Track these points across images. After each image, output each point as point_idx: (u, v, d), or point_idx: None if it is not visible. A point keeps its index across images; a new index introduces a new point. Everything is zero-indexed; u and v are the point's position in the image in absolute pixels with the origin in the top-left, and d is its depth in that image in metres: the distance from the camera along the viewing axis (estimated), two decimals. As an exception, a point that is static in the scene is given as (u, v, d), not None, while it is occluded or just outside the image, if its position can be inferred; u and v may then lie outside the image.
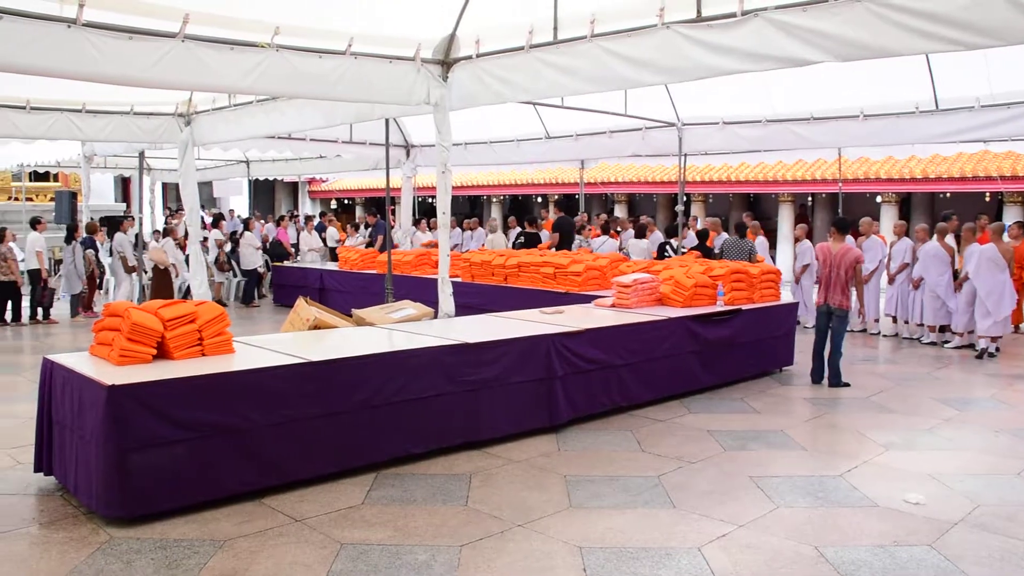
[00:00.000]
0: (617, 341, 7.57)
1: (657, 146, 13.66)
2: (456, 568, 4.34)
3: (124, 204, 26.81)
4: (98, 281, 15.41)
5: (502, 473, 5.92)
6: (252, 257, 16.59)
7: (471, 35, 8.23)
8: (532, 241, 14.76)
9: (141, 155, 14.61)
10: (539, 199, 30.12)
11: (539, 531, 4.84)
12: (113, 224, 16.46)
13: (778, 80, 10.57)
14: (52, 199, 21.93)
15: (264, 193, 35.71)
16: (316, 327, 7.32)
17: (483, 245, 15.96)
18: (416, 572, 4.28)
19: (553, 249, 13.56)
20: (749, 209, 25.35)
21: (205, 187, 24.42)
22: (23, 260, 14.07)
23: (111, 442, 4.82)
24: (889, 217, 21.71)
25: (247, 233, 17.10)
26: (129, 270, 14.84)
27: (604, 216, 17.86)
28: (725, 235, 13.94)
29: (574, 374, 7.14)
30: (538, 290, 10.81)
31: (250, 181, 21.53)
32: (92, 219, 16.81)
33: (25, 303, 14.02)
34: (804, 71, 7.25)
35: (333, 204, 36.30)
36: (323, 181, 33.61)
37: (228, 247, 16.89)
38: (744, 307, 8.96)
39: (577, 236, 14.47)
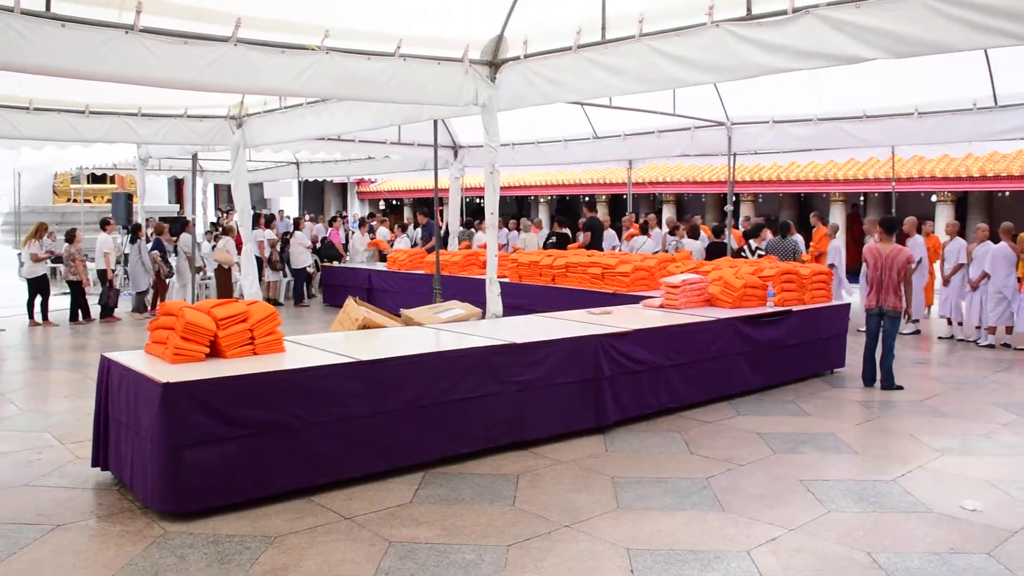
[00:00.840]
0: (665, 342, 7.52)
1: (706, 145, 13.55)
2: (503, 568, 4.35)
3: (177, 205, 27.34)
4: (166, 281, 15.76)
5: (549, 473, 5.92)
6: (302, 257, 16.81)
7: (519, 36, 8.24)
8: (563, 241, 14.83)
9: (194, 157, 14.87)
10: (586, 199, 30.02)
11: (586, 532, 4.83)
12: (175, 223, 16.77)
13: (829, 77, 10.41)
14: (109, 200, 22.46)
15: (313, 194, 36.14)
16: (365, 327, 7.39)
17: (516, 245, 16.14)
18: (464, 571, 4.30)
19: (584, 249, 13.61)
20: (800, 208, 25.03)
21: (256, 188, 24.80)
22: (92, 260, 14.49)
23: (165, 439, 4.92)
24: (945, 217, 21.26)
25: (297, 233, 17.34)
26: (195, 270, 15.16)
27: (652, 215, 17.77)
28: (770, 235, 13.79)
29: (622, 375, 7.10)
30: (586, 290, 10.79)
31: (300, 182, 21.83)
32: (158, 220, 17.20)
33: (92, 301, 14.41)
34: (856, 68, 7.15)
35: (381, 205, 36.60)
36: (372, 182, 33.92)
37: (279, 247, 17.14)
38: (794, 308, 8.84)
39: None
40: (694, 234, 14.50)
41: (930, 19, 5.57)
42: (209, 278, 16.28)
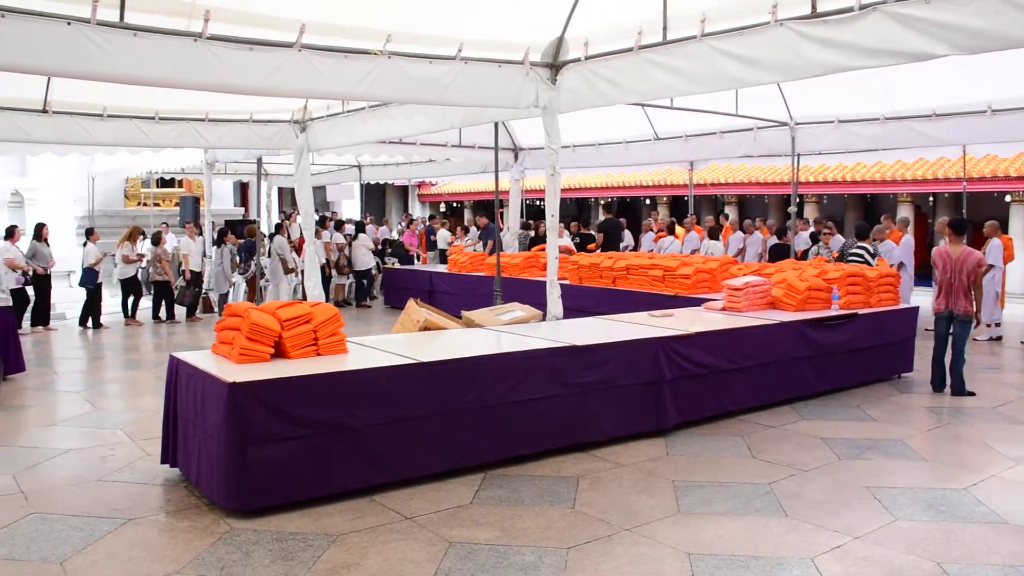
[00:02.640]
0: (727, 345, 7.43)
1: (769, 146, 13.36)
2: (563, 570, 4.34)
3: (243, 208, 27.85)
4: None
5: (610, 476, 5.89)
6: (365, 258, 17.06)
7: (579, 37, 8.22)
8: (585, 242, 14.89)
9: (259, 161, 15.17)
10: (647, 201, 29.83)
11: (647, 536, 4.80)
12: (238, 224, 17.13)
13: (897, 75, 10.16)
14: (177, 204, 23.01)
15: (375, 196, 36.54)
16: (426, 328, 7.44)
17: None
18: (523, 572, 4.30)
19: (599, 250, 13.61)
20: (866, 210, 24.51)
21: (319, 191, 25.16)
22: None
23: (231, 437, 5.02)
24: (1020, 218, 20.60)
25: (361, 235, 17.60)
26: (288, 271, 15.50)
27: (695, 217, 17.63)
28: (839, 237, 13.54)
29: (683, 378, 7.04)
30: (646, 293, 10.72)
31: (362, 185, 22.06)
32: (224, 222, 17.64)
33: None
34: (925, 65, 6.95)
35: (442, 207, 36.84)
36: (432, 184, 34.16)
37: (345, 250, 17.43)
38: (860, 311, 8.66)
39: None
40: (714, 235, 14.53)
41: (1005, 13, 5.40)
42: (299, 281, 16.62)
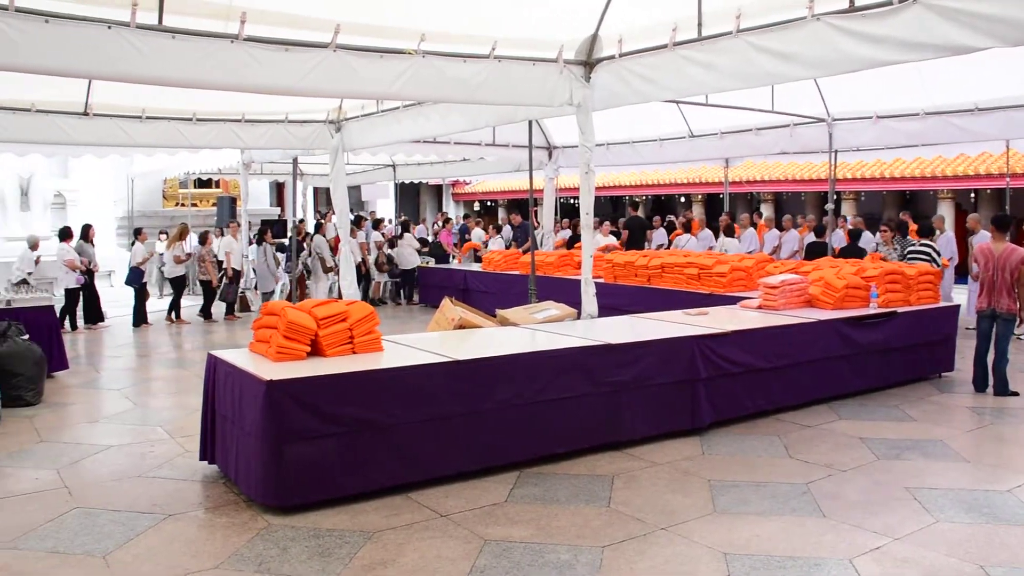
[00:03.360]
0: (763, 343, 7.37)
1: (805, 143, 13.20)
2: (598, 569, 4.33)
3: (278, 208, 28.11)
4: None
5: (645, 475, 5.87)
6: (411, 257, 17.26)
7: (613, 35, 8.19)
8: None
9: (294, 161, 15.29)
10: (682, 199, 29.64)
11: (682, 535, 4.77)
12: (275, 226, 17.31)
13: (937, 69, 9.99)
14: (214, 204, 23.30)
15: (410, 196, 36.69)
16: (461, 327, 7.46)
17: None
18: (558, 571, 4.30)
19: (623, 248, 13.62)
20: (905, 207, 24.16)
21: (354, 191, 25.32)
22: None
23: (268, 435, 5.07)
24: (1065, 213, 20.19)
25: (406, 234, 17.80)
26: (327, 270, 15.67)
27: (730, 215, 17.50)
28: (868, 233, 13.38)
29: (718, 377, 6.99)
30: (682, 291, 10.66)
31: (396, 184, 22.14)
32: (300, 222, 17.89)
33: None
34: (966, 58, 6.81)
35: (476, 206, 36.90)
36: (466, 183, 34.21)
37: (383, 248, 17.58)
38: (899, 309, 8.54)
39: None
40: (729, 232, 14.49)
41: (1049, 4, 5.29)
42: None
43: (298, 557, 4.51)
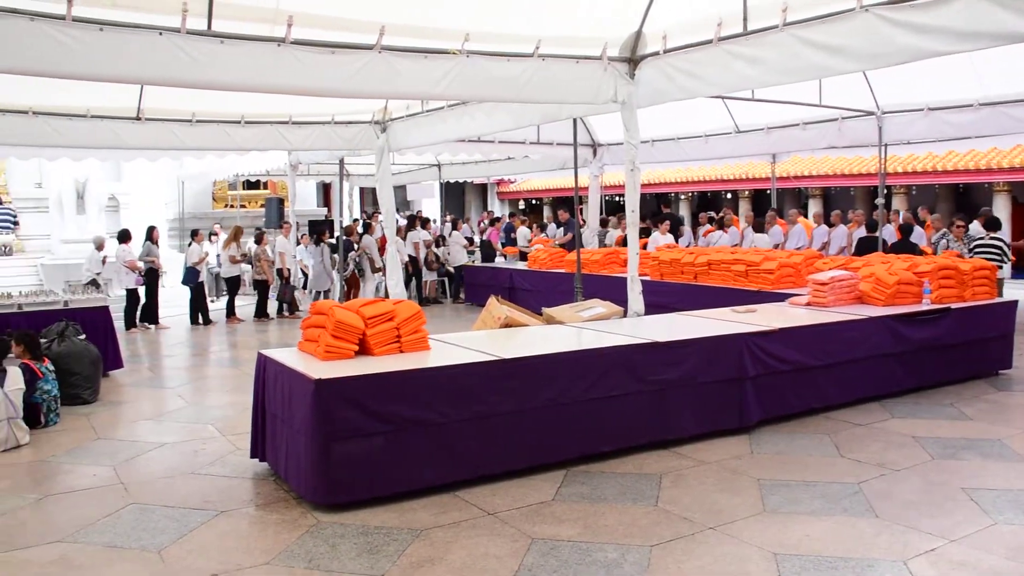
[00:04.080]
0: (813, 341, 7.28)
1: (854, 137, 12.97)
2: (646, 568, 4.31)
3: (325, 208, 28.41)
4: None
5: (693, 474, 5.83)
6: (460, 255, 17.44)
7: (658, 31, 8.14)
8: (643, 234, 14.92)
9: (341, 162, 15.45)
10: (728, 195, 29.36)
11: (731, 535, 4.73)
12: (321, 226, 17.52)
13: (991, 59, 9.77)
14: (262, 205, 23.64)
15: (455, 195, 36.85)
16: (507, 325, 7.48)
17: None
18: (606, 570, 4.29)
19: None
20: (958, 201, 23.67)
21: (400, 190, 25.49)
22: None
23: (317, 433, 5.13)
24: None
25: (454, 232, 17.94)
26: (375, 270, 15.86)
27: (776, 211, 17.26)
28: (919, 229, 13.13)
29: (767, 374, 6.92)
30: (729, 288, 10.56)
31: (441, 184, 22.26)
32: (309, 222, 18.12)
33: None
34: (1021, 47, 6.64)
35: (521, 204, 36.92)
36: (511, 182, 34.27)
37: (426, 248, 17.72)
38: (954, 306, 8.37)
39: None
40: (759, 228, 14.41)
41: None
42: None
43: (347, 554, 4.56)
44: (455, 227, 18.94)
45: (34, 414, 7.36)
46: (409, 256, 17.00)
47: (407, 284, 17.24)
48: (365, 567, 4.39)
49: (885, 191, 13.71)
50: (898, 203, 23.46)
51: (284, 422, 5.62)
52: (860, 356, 7.55)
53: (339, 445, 5.18)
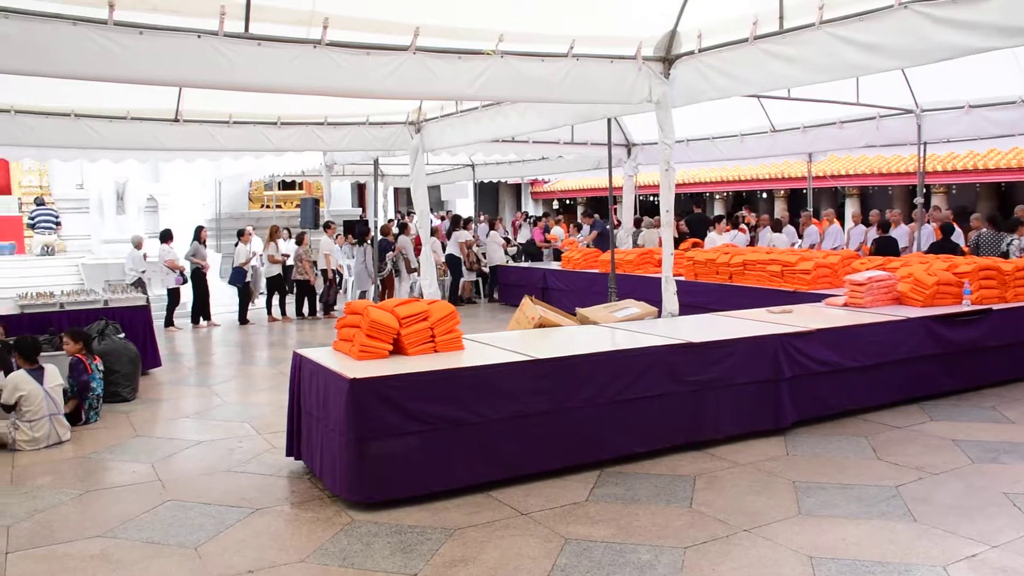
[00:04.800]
0: (850, 342, 7.19)
1: (893, 135, 12.78)
2: (680, 570, 4.29)
3: (360, 208, 28.58)
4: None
5: (727, 476, 5.79)
6: (497, 254, 17.58)
7: (692, 30, 8.09)
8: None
9: (375, 162, 15.52)
10: (764, 195, 29.11)
11: (766, 537, 4.70)
12: (357, 226, 17.66)
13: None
14: (298, 205, 23.83)
15: (489, 195, 36.89)
16: (541, 325, 7.48)
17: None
18: (639, 571, 4.28)
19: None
20: (1000, 199, 23.27)
21: (434, 191, 25.57)
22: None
23: (352, 432, 5.17)
24: None
25: (492, 232, 18.00)
26: (411, 270, 15.98)
27: (811, 211, 17.06)
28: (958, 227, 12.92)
29: (802, 376, 6.85)
30: (764, 288, 10.48)
31: (475, 184, 22.29)
32: (343, 222, 18.28)
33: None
34: (1068, 42, 6.51)
35: (555, 204, 36.89)
36: (545, 182, 34.24)
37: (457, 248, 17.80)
38: (995, 307, 8.23)
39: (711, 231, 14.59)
40: (777, 228, 14.41)
41: None
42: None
43: (381, 552, 4.59)
44: (492, 227, 18.97)
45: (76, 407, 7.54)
46: (452, 256, 17.09)
47: (455, 284, 17.39)
48: (399, 566, 4.41)
49: (924, 190, 13.50)
50: (937, 202, 23.09)
51: (319, 421, 5.67)
52: (898, 358, 7.45)
53: (374, 444, 5.21)
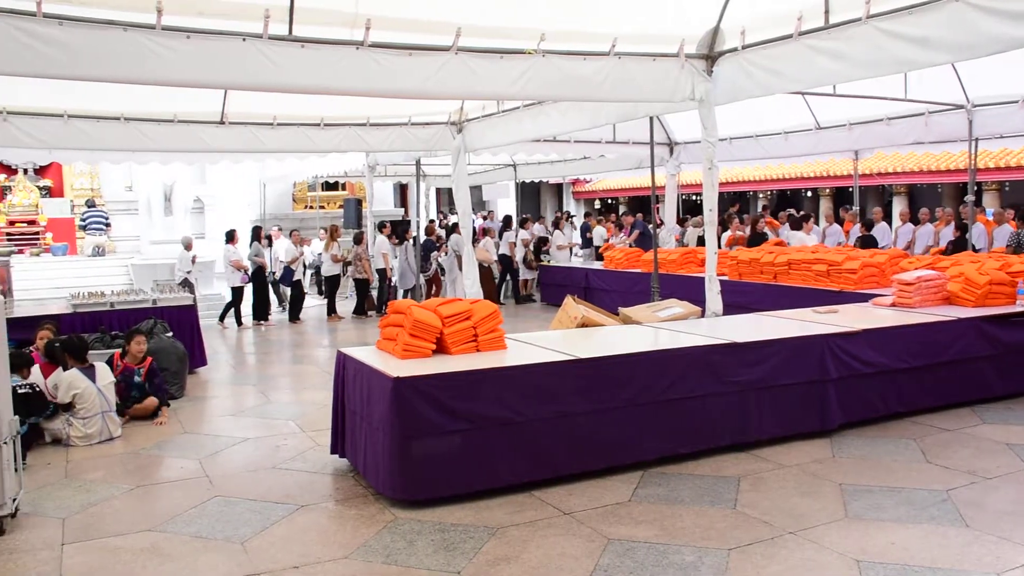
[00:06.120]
0: (898, 343, 7.06)
1: (942, 131, 12.51)
2: (724, 572, 4.25)
3: (402, 209, 28.75)
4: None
5: (772, 477, 5.72)
6: (561, 253, 18.05)
7: (736, 27, 8.01)
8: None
9: (417, 163, 15.61)
10: (808, 193, 28.74)
11: (812, 540, 4.63)
12: (398, 226, 17.78)
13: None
14: (341, 206, 24.05)
15: (530, 195, 36.88)
16: (584, 325, 7.46)
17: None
18: (683, 572, 4.25)
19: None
20: (1054, 197, 22.68)
21: (475, 191, 25.62)
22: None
23: (396, 430, 5.20)
24: None
25: (557, 232, 18.11)
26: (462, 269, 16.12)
27: (858, 209, 16.75)
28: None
29: (849, 377, 6.75)
30: (810, 288, 10.34)
31: (517, 184, 22.30)
32: (433, 221, 18.48)
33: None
34: None
35: (596, 204, 36.78)
36: (587, 181, 34.14)
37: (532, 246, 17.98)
38: (1050, 306, 8.03)
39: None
40: (796, 226, 14.30)
41: None
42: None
43: (424, 550, 4.61)
44: (557, 226, 19.05)
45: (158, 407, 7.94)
46: (503, 256, 17.14)
47: (500, 283, 17.44)
48: (441, 564, 4.43)
49: (975, 188, 13.22)
50: (989, 200, 22.63)
51: (363, 419, 5.71)
52: (948, 359, 7.30)
53: (417, 442, 5.24)
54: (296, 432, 7.26)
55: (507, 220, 18.86)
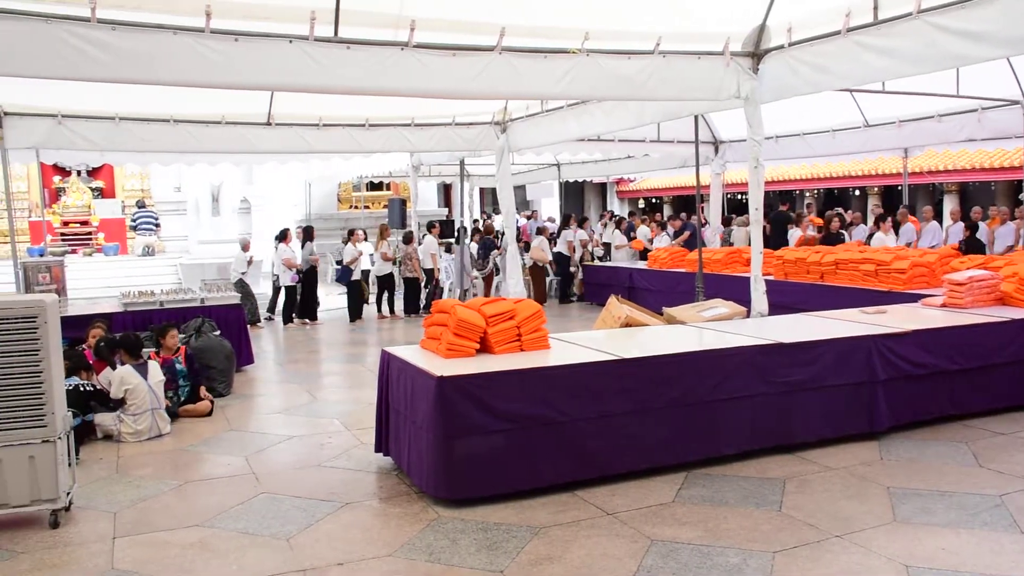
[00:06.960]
0: (949, 344, 6.92)
1: (996, 128, 12.25)
2: (769, 575, 4.21)
3: (446, 208, 28.89)
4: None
5: (818, 480, 5.64)
6: (620, 253, 18.04)
7: (782, 24, 7.92)
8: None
9: (461, 163, 15.67)
10: (856, 192, 28.29)
11: (859, 544, 4.56)
12: (444, 227, 17.89)
13: None
14: (385, 206, 24.23)
15: (574, 194, 36.83)
16: (628, 324, 7.43)
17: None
18: (727, 574, 4.21)
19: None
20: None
21: (519, 190, 25.66)
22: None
23: (439, 429, 5.22)
24: None
25: (616, 232, 18.12)
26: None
27: (907, 208, 16.41)
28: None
29: (898, 379, 6.63)
30: (857, 288, 10.17)
31: (560, 183, 22.28)
32: (429, 222, 18.54)
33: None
34: None
35: (640, 203, 36.60)
36: (631, 181, 33.99)
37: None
38: (1109, 307, 7.81)
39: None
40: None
41: None
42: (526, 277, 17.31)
43: (467, 549, 4.63)
44: (618, 226, 19.05)
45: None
46: (559, 255, 17.14)
47: (549, 283, 17.47)
48: (484, 563, 4.44)
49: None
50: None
51: (407, 418, 5.75)
52: (1002, 361, 7.13)
53: (461, 441, 5.26)
54: (341, 430, 7.33)
55: (566, 219, 18.86)
